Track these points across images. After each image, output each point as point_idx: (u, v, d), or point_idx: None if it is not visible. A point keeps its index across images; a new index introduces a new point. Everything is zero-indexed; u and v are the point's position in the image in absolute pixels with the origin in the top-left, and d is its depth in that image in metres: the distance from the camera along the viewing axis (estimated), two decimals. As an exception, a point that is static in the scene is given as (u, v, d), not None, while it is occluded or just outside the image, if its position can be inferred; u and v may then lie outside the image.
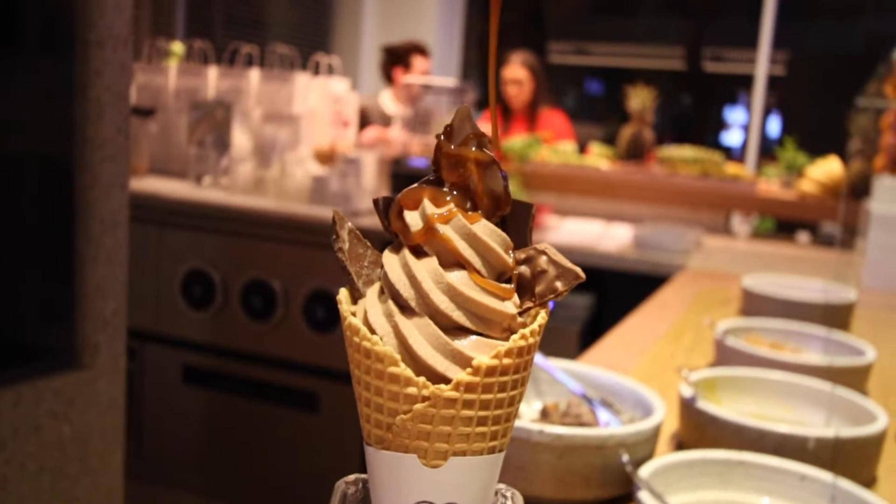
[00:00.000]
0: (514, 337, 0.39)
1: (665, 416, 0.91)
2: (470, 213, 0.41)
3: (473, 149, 0.41)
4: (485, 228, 0.40)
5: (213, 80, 3.27)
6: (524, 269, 0.41)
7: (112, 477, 1.64)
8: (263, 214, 2.59)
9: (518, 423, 0.82)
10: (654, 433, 0.87)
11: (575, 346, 2.54)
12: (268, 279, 2.54)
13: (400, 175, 2.91)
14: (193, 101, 3.12)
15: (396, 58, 4.00)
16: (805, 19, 5.73)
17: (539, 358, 1.01)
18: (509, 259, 0.41)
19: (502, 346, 0.38)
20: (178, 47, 3.60)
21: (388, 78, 4.05)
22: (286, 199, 2.77)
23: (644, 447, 0.85)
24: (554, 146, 3.49)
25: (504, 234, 0.41)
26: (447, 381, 0.38)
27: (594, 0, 6.33)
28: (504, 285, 0.40)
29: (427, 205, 0.41)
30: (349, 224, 0.43)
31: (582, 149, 3.67)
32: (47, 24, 1.50)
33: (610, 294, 2.68)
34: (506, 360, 0.38)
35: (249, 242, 2.60)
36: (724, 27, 6.15)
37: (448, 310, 0.39)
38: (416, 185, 0.42)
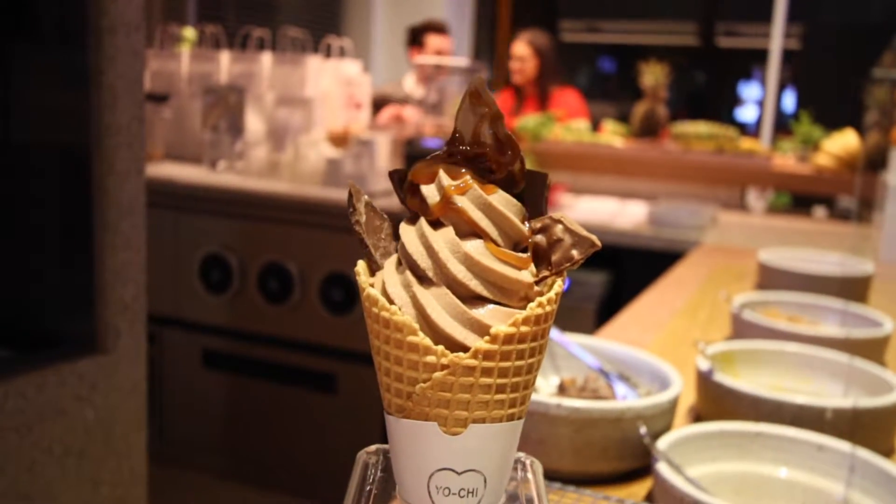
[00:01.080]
0: (531, 305, 0.39)
1: (682, 390, 0.91)
2: (485, 184, 0.41)
3: (489, 141, 0.41)
4: (501, 199, 0.41)
5: (225, 64, 3.28)
6: (540, 238, 0.41)
7: (135, 459, 1.66)
8: (278, 198, 2.60)
9: (536, 397, 0.82)
10: (672, 406, 0.87)
11: (591, 324, 2.55)
12: (284, 262, 2.55)
13: (414, 156, 2.90)
14: (206, 86, 3.13)
15: (412, 38, 4.01)
16: (820, -9, 5.66)
17: (556, 333, 1.01)
18: (525, 228, 0.41)
19: (520, 314, 0.39)
20: (189, 33, 3.60)
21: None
22: (300, 182, 2.78)
23: (661, 420, 0.86)
24: (567, 124, 3.47)
25: (520, 204, 0.41)
26: (465, 349, 0.38)
27: (606, -23, 6.28)
28: (520, 254, 0.41)
29: (443, 177, 0.41)
30: (366, 197, 0.43)
31: (595, 126, 3.65)
32: (60, 13, 1.50)
33: (626, 271, 2.68)
34: (523, 328, 0.39)
35: (265, 226, 2.62)
36: (737, 1, 6.08)
37: (465, 279, 0.39)
38: (429, 158, 0.42)
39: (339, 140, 3.11)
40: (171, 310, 2.72)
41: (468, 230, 0.40)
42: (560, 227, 0.41)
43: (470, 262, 0.39)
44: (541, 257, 0.41)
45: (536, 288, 0.41)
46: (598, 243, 0.41)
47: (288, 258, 2.55)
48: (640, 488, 0.85)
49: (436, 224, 0.41)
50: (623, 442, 0.83)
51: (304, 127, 3.03)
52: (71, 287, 1.57)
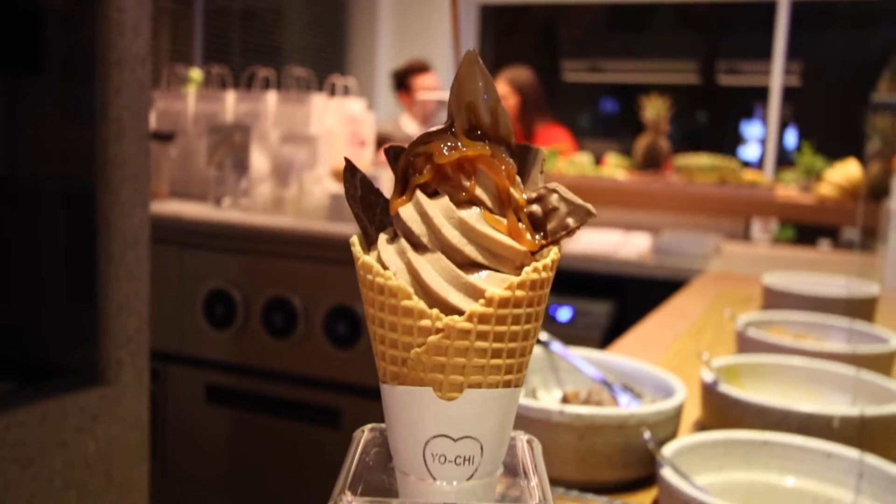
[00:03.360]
0: (527, 269, 0.39)
1: (687, 399, 0.90)
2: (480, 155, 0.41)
3: (483, 114, 0.41)
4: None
5: (231, 103, 3.31)
6: (535, 207, 0.41)
7: (136, 493, 1.64)
8: (282, 233, 2.61)
9: (538, 404, 0.82)
10: (676, 413, 0.86)
11: (597, 355, 2.53)
12: (288, 296, 2.55)
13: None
14: (212, 124, 3.16)
15: (398, 82, 4.09)
16: (819, 29, 5.72)
17: (559, 346, 1.01)
18: (521, 197, 0.41)
19: (515, 278, 0.39)
20: (196, 73, 3.65)
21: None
22: (305, 217, 2.79)
23: (666, 427, 0.85)
24: (570, 158, 3.49)
25: (516, 175, 0.42)
26: (460, 313, 0.38)
27: (608, 17, 6.34)
28: (516, 223, 0.41)
29: (437, 149, 0.41)
30: (361, 172, 0.43)
31: (598, 160, 3.67)
32: (68, 46, 1.53)
33: (630, 301, 2.67)
34: (518, 293, 0.38)
35: (269, 261, 2.62)
36: (737, 40, 6.14)
37: (460, 244, 0.39)
38: (425, 135, 0.42)
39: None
40: (175, 345, 2.71)
41: (464, 199, 0.40)
42: (555, 196, 0.41)
43: (465, 228, 0.39)
44: (537, 226, 0.41)
45: (533, 256, 0.41)
46: (594, 211, 0.41)
47: (292, 293, 2.55)
48: (646, 497, 0.83)
49: (431, 194, 0.41)
50: (627, 449, 0.82)
51: (309, 163, 3.05)
52: (74, 318, 1.57)
